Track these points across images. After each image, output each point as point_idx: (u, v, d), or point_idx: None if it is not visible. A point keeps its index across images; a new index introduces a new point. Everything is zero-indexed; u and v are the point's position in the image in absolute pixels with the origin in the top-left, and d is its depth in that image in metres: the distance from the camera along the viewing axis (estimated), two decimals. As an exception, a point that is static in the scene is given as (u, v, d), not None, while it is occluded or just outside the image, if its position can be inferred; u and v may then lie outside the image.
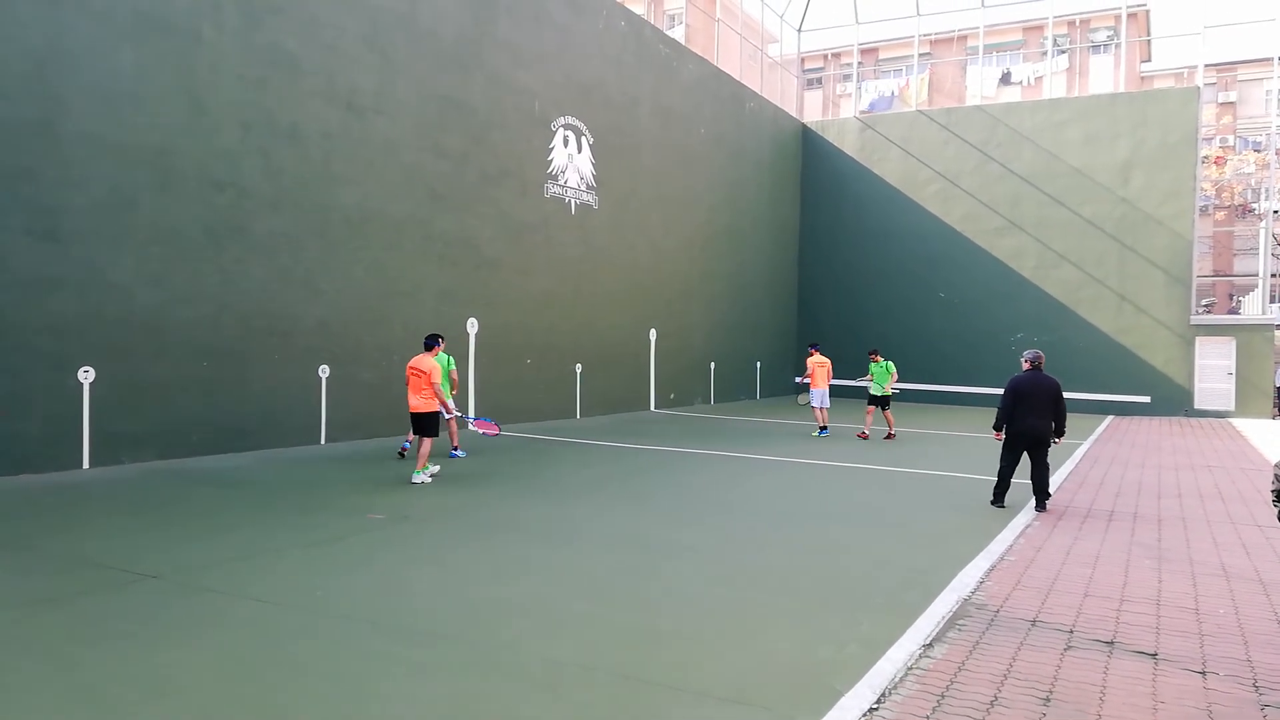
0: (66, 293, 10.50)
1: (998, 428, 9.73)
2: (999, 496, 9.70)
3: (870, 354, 16.97)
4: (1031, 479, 9.64)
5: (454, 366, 12.59)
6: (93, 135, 10.69)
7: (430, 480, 10.30)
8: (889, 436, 16.53)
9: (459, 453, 12.58)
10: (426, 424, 10.44)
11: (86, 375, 10.66)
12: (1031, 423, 9.47)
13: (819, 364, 16.78)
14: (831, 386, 17.35)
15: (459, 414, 12.32)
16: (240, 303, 12.32)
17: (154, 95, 11.28)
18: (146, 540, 7.24)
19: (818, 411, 16.92)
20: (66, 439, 10.52)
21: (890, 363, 16.85)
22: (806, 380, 17.16)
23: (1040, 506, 9.55)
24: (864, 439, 16.31)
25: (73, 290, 10.55)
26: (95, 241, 10.75)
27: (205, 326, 11.90)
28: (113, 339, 10.93)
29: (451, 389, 12.09)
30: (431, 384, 10.34)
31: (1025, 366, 9.78)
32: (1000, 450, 9.83)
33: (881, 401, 16.51)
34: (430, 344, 10.71)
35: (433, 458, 11.30)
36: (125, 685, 4.32)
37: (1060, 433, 9.62)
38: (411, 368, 10.53)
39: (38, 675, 4.41)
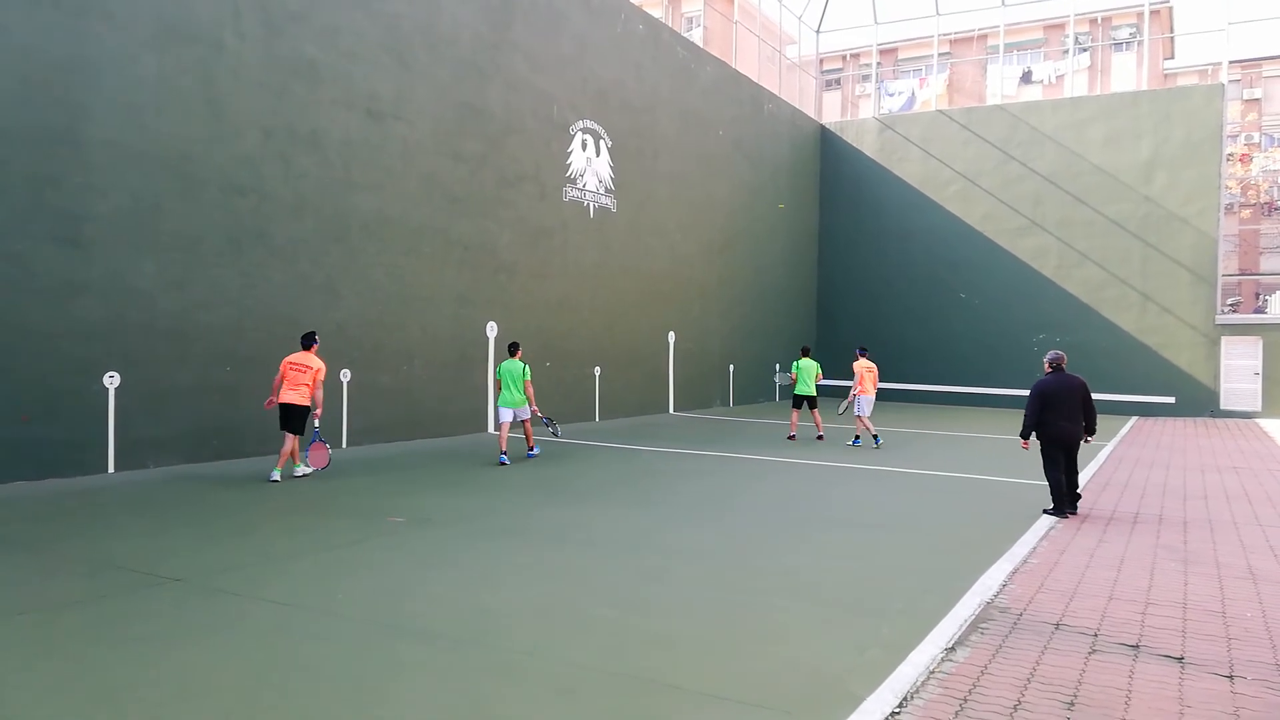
0: (91, 298, 10.62)
1: (1025, 435, 9.47)
2: (1058, 506, 9.30)
3: (802, 350, 16.94)
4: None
5: (529, 376, 12.90)
6: (116, 142, 10.81)
7: (308, 473, 10.68)
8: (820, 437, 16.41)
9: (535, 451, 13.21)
10: (299, 418, 10.55)
11: (112, 380, 10.78)
12: (1062, 426, 9.26)
13: (868, 369, 15.76)
14: (819, 386, 17.20)
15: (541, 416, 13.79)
16: (261, 308, 12.42)
17: (176, 103, 11.40)
18: (169, 544, 7.30)
19: (860, 420, 15.67)
20: (92, 444, 10.63)
21: (817, 363, 16.84)
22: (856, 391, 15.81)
23: (1071, 509, 9.38)
24: (793, 440, 16.23)
25: (97, 296, 10.67)
26: (119, 247, 10.87)
27: (227, 332, 12.00)
28: (136, 344, 11.04)
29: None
30: (315, 382, 10.50)
31: (1047, 369, 9.61)
32: (1041, 461, 9.50)
33: (810, 401, 16.44)
34: (308, 342, 10.75)
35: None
36: (147, 687, 4.36)
37: (1091, 431, 9.43)
38: (293, 363, 10.55)
39: (61, 676, 4.46)
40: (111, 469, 10.78)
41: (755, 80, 25.89)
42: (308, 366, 10.56)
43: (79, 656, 4.74)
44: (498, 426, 13.16)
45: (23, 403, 10.01)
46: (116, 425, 10.83)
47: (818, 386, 16.89)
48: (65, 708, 4.10)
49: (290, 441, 10.47)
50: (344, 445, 13.58)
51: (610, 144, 19.31)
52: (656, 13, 31.47)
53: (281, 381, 10.56)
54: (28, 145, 10.06)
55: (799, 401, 16.53)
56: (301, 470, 10.74)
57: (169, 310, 11.37)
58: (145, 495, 9.51)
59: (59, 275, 10.34)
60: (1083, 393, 9.34)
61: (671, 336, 21.66)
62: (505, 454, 12.36)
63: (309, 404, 10.57)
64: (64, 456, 10.36)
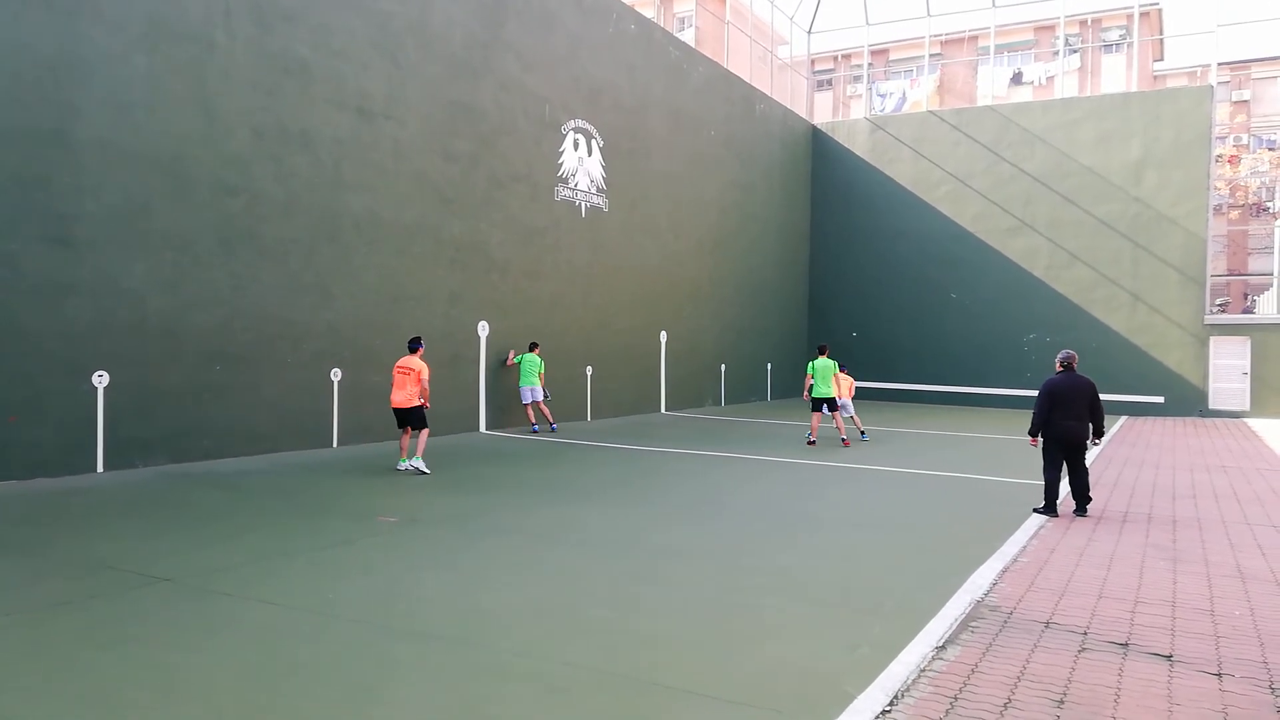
0: (80, 298, 10.57)
1: (1034, 433, 9.46)
2: (1050, 505, 9.35)
3: (819, 349, 16.23)
4: (1070, 484, 9.48)
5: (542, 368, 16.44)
6: (106, 142, 10.76)
7: (421, 469, 11.27)
8: (845, 442, 15.56)
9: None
10: (408, 416, 11.39)
11: (101, 380, 10.73)
12: (1069, 425, 9.23)
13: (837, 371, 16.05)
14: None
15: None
16: (252, 308, 12.38)
17: (167, 102, 11.35)
18: (159, 544, 7.27)
19: (836, 417, 16.09)
20: (80, 443, 10.59)
21: (834, 362, 15.96)
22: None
23: (1080, 511, 9.36)
24: (813, 445, 15.37)
25: (87, 296, 10.62)
26: (109, 247, 10.82)
27: (217, 331, 11.96)
28: (126, 344, 10.99)
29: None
30: (420, 381, 11.31)
31: (1058, 368, 9.56)
32: (1041, 459, 9.51)
33: (830, 403, 15.61)
34: (414, 346, 11.61)
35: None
36: (138, 688, 4.35)
37: (1099, 433, 9.43)
38: (400, 367, 11.46)
39: (52, 677, 4.44)
40: (100, 469, 10.74)
41: (747, 80, 25.91)
42: (410, 369, 11.35)
43: (70, 658, 4.72)
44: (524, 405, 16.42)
45: (11, 403, 9.96)
46: (105, 425, 10.79)
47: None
48: (56, 709, 4.08)
49: (407, 436, 11.44)
50: (335, 445, 13.55)
51: (602, 144, 19.31)
52: (648, 13, 31.48)
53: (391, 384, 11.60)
54: (17, 145, 10.00)
55: (819, 404, 15.61)
56: (412, 464, 11.31)
57: (159, 310, 11.33)
58: (135, 495, 9.47)
59: (48, 275, 10.29)
60: (1091, 393, 9.31)
61: (664, 336, 21.67)
62: (537, 425, 16.43)
63: (415, 404, 11.33)
64: (52, 456, 10.31)
